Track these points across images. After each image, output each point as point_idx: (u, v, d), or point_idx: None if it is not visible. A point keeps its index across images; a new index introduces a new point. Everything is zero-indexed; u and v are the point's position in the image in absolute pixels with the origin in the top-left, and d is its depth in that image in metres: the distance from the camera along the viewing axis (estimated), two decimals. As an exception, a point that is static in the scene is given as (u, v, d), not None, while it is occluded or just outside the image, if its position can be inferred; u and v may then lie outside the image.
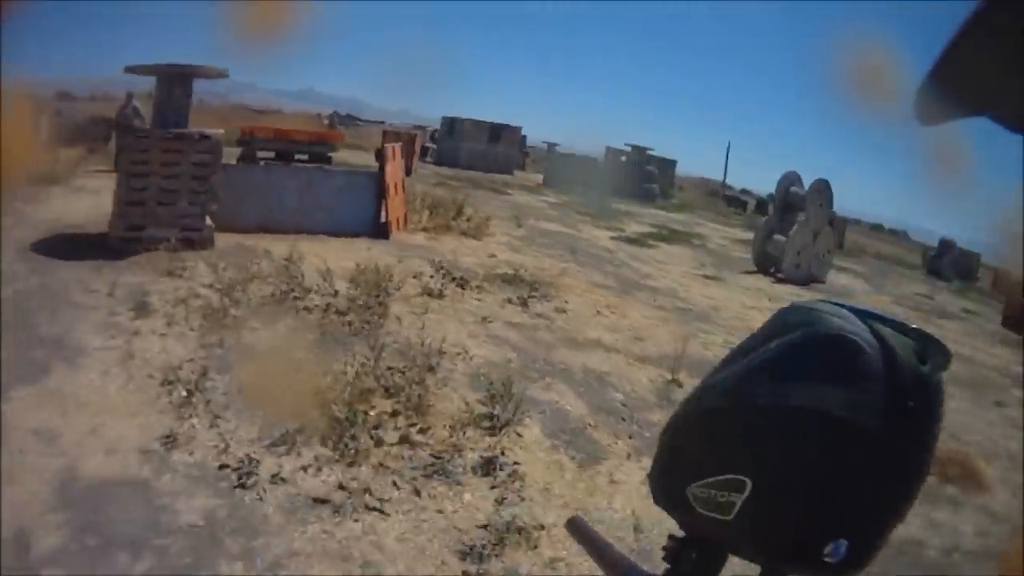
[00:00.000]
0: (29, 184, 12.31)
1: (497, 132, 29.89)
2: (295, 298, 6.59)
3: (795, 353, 0.56)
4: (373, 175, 10.55)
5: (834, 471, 0.53)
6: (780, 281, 14.57)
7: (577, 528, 0.77)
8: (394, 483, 4.28)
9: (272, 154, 9.91)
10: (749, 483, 0.55)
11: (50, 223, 9.10)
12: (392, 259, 9.21)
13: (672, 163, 33.67)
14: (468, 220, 12.56)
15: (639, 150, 30.48)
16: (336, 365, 5.32)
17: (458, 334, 6.73)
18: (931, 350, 0.55)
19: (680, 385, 6.95)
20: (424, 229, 11.84)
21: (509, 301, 8.50)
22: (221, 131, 8.56)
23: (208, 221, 8.38)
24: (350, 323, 6.29)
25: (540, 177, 29.61)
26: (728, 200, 37.22)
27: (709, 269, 14.92)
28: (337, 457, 4.33)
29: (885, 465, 0.53)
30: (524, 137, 33.51)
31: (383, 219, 10.71)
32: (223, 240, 8.53)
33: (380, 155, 10.43)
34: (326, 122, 38.06)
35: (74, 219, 9.50)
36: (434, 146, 29.64)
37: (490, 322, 7.49)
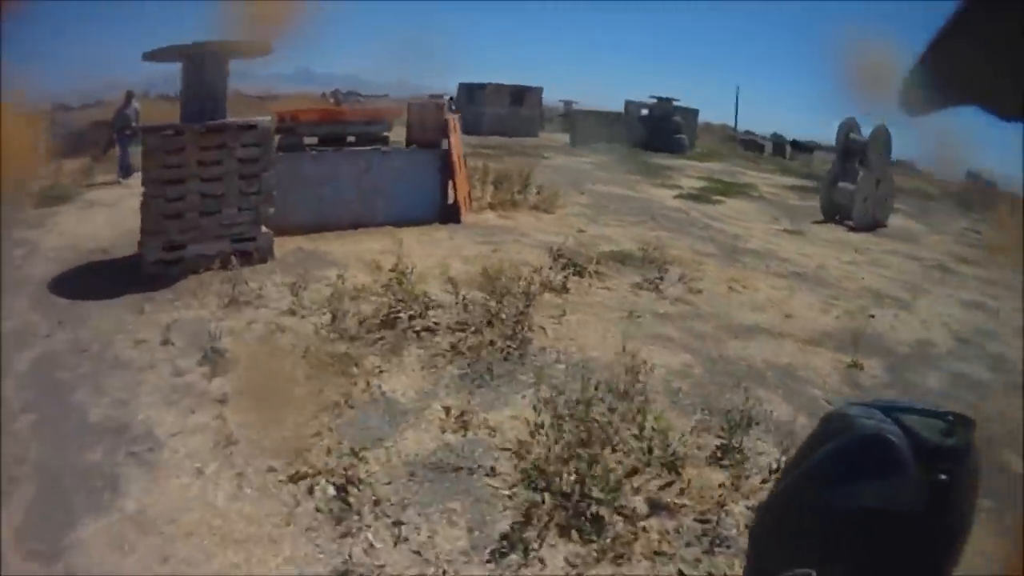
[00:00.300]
0: (33, 204, 10.77)
1: (519, 95, 27.90)
2: (410, 317, 5.04)
3: (835, 459, 0.66)
4: (437, 152, 8.90)
5: (872, 554, 0.61)
6: (852, 230, 13.66)
7: None
8: (681, 573, 2.86)
9: (315, 140, 8.29)
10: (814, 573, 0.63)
11: (66, 251, 7.55)
12: (485, 247, 7.68)
13: (695, 112, 31.70)
14: (538, 192, 10.96)
15: (664, 102, 28.60)
16: (512, 410, 3.83)
17: (615, 338, 5.22)
18: (956, 425, 0.63)
19: (861, 368, 6.03)
20: (491, 206, 10.28)
21: (639, 287, 6.98)
22: (268, 117, 6.95)
23: (264, 228, 6.81)
24: (491, 343, 4.76)
25: (565, 137, 27.91)
26: (745, 144, 35.85)
27: (784, 222, 13.65)
28: (596, 553, 2.87)
29: (923, 537, 0.61)
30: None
31: (451, 200, 9.13)
32: (277, 246, 6.99)
33: (419, 127, 8.80)
34: (331, 100, 36.05)
35: (93, 241, 7.95)
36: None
37: (638, 317, 5.98)
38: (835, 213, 14.79)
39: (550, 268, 6.69)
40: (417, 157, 8.77)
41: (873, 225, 14.31)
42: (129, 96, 13.09)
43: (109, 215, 9.63)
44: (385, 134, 8.60)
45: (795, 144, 38.65)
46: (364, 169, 8.21)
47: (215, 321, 5.21)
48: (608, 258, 7.73)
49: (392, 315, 5.07)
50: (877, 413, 0.65)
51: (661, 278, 7.15)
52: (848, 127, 15.65)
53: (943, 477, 0.59)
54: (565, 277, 6.53)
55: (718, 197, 15.64)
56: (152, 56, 6.87)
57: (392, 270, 5.58)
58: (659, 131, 27.88)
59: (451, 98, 29.17)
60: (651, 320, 5.98)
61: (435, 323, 5.07)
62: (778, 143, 39.51)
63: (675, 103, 29.04)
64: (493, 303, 5.07)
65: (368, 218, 8.44)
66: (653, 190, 15.48)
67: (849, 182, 14.85)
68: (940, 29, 0.43)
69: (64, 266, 7.00)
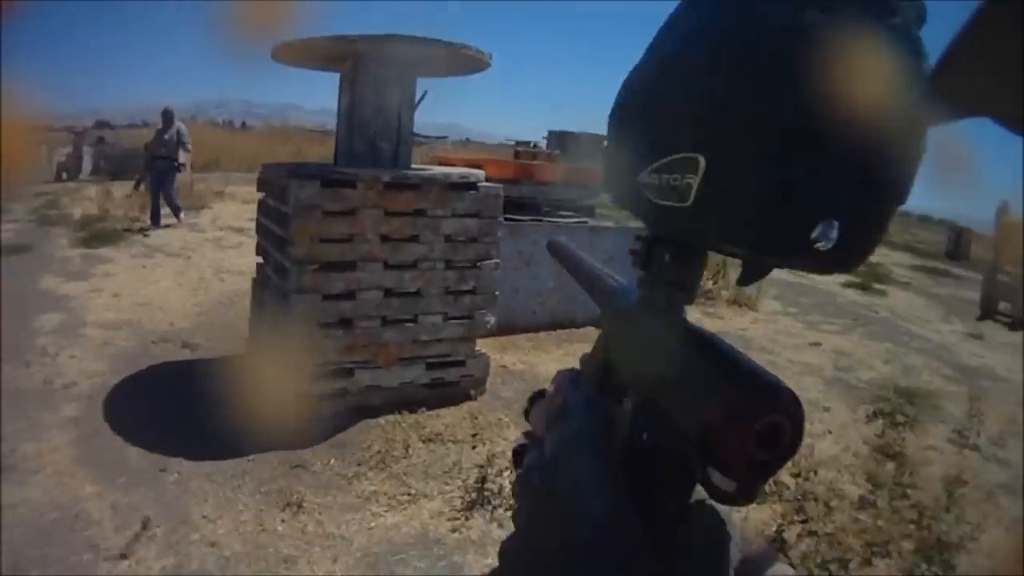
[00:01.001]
0: (75, 240, 8.21)
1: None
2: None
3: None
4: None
5: (803, 126, 0.37)
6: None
7: (558, 248, 0.64)
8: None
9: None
10: (702, 160, 0.41)
11: (121, 332, 4.96)
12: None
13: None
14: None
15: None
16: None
17: None
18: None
19: None
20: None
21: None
22: (480, 171, 4.36)
23: (478, 348, 4.18)
24: None
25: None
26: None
27: (955, 321, 11.20)
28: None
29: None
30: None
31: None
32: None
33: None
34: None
35: (162, 316, 5.37)
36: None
37: None
38: (996, 308, 12.96)
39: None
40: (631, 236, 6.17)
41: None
42: (168, 115, 9.75)
43: (177, 269, 7.05)
44: (591, 203, 6.00)
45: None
46: (574, 248, 5.63)
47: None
48: (893, 397, 5.13)
49: None
50: None
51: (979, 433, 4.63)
52: (1003, 210, 14.06)
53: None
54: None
55: (877, 285, 13.14)
56: (284, 53, 4.28)
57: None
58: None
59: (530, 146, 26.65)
60: None
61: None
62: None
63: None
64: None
65: (566, 317, 5.83)
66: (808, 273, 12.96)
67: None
68: (951, 40, 0.37)
69: (116, 366, 4.39)
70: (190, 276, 6.78)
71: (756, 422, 0.36)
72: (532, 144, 26.94)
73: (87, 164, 16.09)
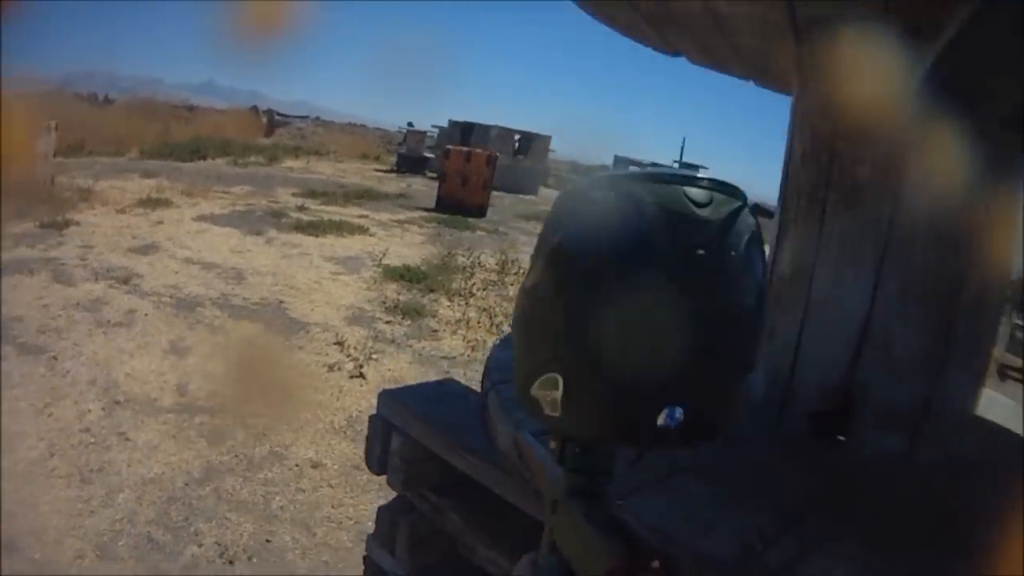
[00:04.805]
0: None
1: (528, 142, 22.90)
2: None
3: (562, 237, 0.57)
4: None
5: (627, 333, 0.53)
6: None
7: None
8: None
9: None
10: (560, 379, 0.55)
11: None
12: None
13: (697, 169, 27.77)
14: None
15: (690, 166, 24.88)
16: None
17: None
18: (717, 193, 0.55)
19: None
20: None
21: None
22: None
23: None
24: None
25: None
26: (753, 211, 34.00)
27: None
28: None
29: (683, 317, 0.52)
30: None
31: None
32: None
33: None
34: (263, 119, 29.44)
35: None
36: (432, 156, 22.22)
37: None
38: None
39: None
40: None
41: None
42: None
43: (19, 406, 3.82)
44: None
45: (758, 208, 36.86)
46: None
47: None
48: None
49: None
50: (619, 180, 0.57)
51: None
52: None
53: (700, 252, 0.53)
54: None
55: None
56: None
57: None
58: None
59: (407, 135, 23.41)
60: None
61: None
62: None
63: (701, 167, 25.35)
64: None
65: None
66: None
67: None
68: (949, 37, 0.48)
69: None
70: (48, 427, 3.58)
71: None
72: (413, 127, 23.82)
73: None
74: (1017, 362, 11.41)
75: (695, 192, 0.54)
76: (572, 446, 0.61)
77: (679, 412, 0.53)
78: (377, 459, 2.06)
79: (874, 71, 1.47)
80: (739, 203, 0.56)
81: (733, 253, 0.54)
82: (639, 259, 0.53)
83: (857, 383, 1.89)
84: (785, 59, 2.10)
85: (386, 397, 2.09)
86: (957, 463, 1.73)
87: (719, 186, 0.56)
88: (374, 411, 2.08)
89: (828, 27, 1.68)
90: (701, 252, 0.53)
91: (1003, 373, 11.33)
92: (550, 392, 0.56)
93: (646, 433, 0.54)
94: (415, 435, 1.96)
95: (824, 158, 1.92)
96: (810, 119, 2.00)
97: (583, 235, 0.55)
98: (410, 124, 23.36)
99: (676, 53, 2.34)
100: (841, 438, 1.93)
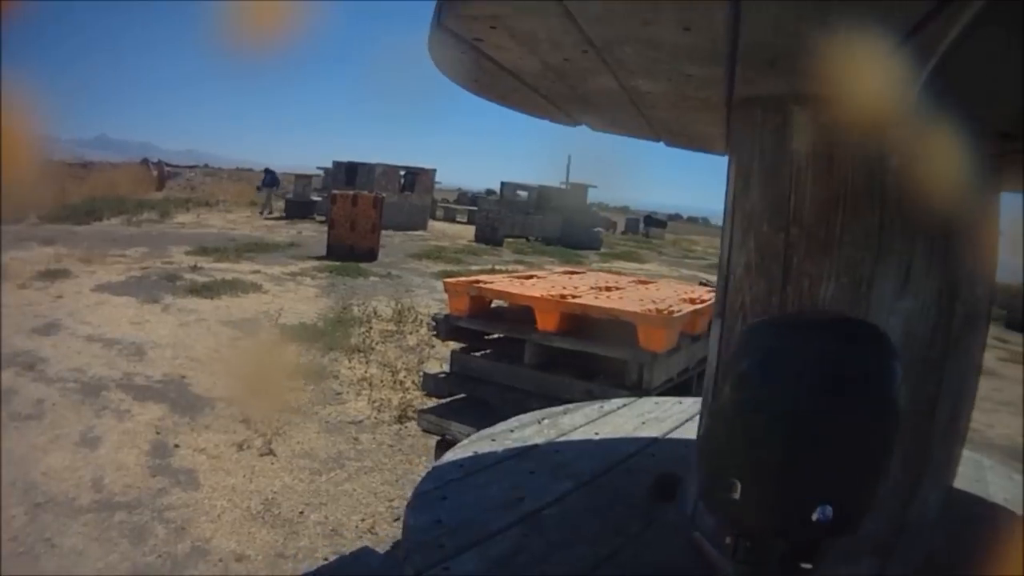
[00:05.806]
0: None
1: (412, 178, 23.57)
2: None
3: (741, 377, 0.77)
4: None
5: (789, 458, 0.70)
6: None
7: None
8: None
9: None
10: (737, 483, 0.71)
11: None
12: None
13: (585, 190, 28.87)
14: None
15: (579, 187, 26.00)
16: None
17: None
18: (861, 334, 0.78)
19: None
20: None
21: None
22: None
23: None
24: None
25: (457, 229, 24.16)
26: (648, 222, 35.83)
27: None
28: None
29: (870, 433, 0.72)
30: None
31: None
32: None
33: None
34: (154, 173, 29.12)
35: None
36: (319, 199, 22.65)
37: None
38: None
39: None
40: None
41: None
42: None
43: None
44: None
45: (650, 220, 38.50)
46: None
47: None
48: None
49: None
50: (783, 331, 0.80)
51: None
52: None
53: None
54: None
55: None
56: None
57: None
58: (572, 223, 24.98)
59: (292, 179, 24.24)
60: None
61: None
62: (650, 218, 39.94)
63: (591, 187, 26.59)
64: None
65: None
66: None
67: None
68: (948, 42, 0.43)
69: None
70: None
71: None
72: (306, 175, 24.63)
73: None
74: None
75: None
76: (743, 541, 0.75)
77: (829, 511, 0.67)
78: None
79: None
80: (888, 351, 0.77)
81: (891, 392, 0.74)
82: (815, 405, 0.70)
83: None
84: (707, 126, 1.91)
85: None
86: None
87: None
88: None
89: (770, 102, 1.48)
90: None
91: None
92: (729, 493, 0.71)
93: (804, 529, 0.69)
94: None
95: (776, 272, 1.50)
96: (755, 223, 1.56)
97: (767, 369, 0.74)
98: (267, 170, 24.19)
99: (577, 124, 2.16)
100: (807, 566, 1.78)
